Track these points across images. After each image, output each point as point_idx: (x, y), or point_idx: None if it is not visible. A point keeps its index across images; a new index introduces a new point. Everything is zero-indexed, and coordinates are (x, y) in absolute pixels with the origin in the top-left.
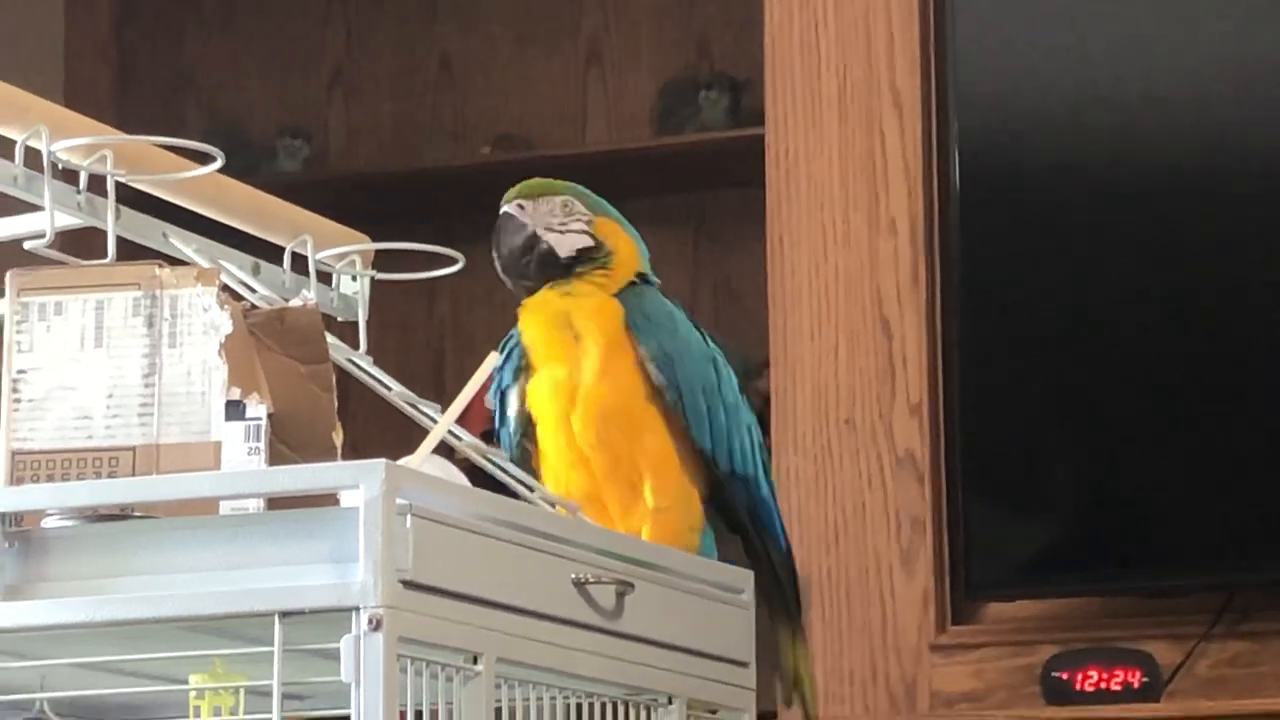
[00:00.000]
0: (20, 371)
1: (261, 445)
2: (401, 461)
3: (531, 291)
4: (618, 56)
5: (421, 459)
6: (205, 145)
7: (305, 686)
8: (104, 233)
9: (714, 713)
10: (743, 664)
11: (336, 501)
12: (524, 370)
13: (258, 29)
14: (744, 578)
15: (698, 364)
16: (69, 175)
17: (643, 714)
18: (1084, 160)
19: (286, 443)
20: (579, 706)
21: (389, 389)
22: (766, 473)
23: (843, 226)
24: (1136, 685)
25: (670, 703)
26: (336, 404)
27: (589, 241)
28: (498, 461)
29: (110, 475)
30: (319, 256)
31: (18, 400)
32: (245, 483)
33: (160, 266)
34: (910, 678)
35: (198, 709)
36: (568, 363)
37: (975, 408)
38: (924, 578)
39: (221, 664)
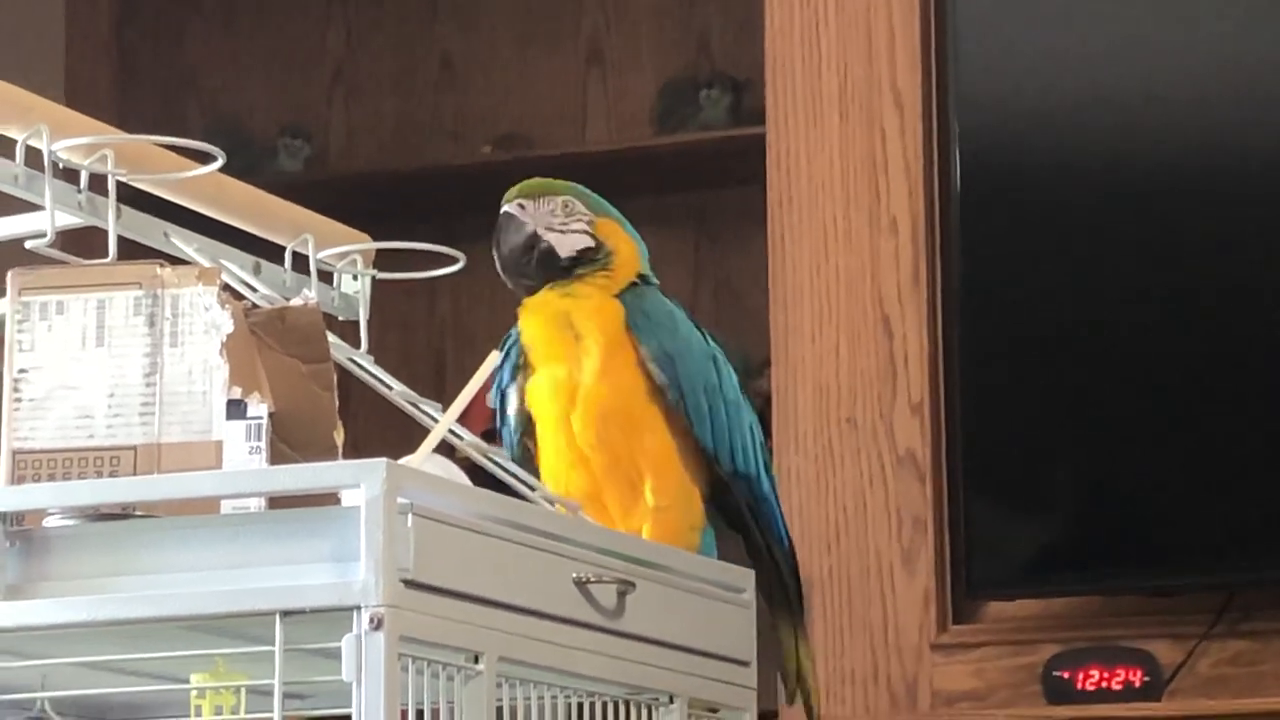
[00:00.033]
0: (21, 371)
1: (263, 444)
2: (402, 461)
3: (532, 291)
4: (618, 56)
5: (422, 458)
6: (206, 145)
7: (306, 686)
8: (105, 232)
9: (715, 712)
10: (744, 663)
11: (338, 501)
12: (523, 369)
13: (258, 28)
14: (745, 577)
15: (699, 363)
16: (70, 175)
17: (644, 713)
18: (1084, 160)
19: (288, 442)
20: (580, 706)
21: (390, 388)
22: (768, 471)
23: (843, 226)
24: (1137, 684)
25: (671, 702)
26: (337, 403)
27: (589, 242)
28: (499, 461)
29: (111, 474)
30: (320, 256)
31: (19, 399)
32: (246, 482)
33: (161, 266)
34: (911, 677)
35: (199, 708)
36: (567, 362)
37: (976, 407)
38: (925, 577)
39: (223, 663)
